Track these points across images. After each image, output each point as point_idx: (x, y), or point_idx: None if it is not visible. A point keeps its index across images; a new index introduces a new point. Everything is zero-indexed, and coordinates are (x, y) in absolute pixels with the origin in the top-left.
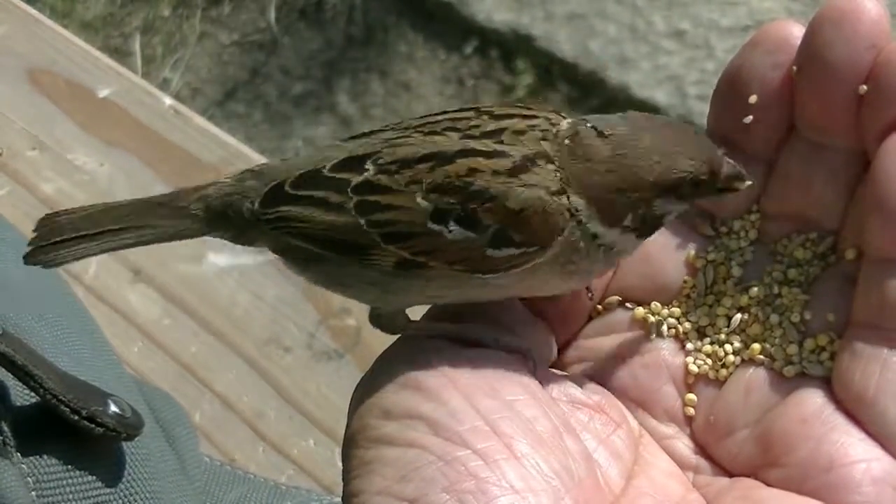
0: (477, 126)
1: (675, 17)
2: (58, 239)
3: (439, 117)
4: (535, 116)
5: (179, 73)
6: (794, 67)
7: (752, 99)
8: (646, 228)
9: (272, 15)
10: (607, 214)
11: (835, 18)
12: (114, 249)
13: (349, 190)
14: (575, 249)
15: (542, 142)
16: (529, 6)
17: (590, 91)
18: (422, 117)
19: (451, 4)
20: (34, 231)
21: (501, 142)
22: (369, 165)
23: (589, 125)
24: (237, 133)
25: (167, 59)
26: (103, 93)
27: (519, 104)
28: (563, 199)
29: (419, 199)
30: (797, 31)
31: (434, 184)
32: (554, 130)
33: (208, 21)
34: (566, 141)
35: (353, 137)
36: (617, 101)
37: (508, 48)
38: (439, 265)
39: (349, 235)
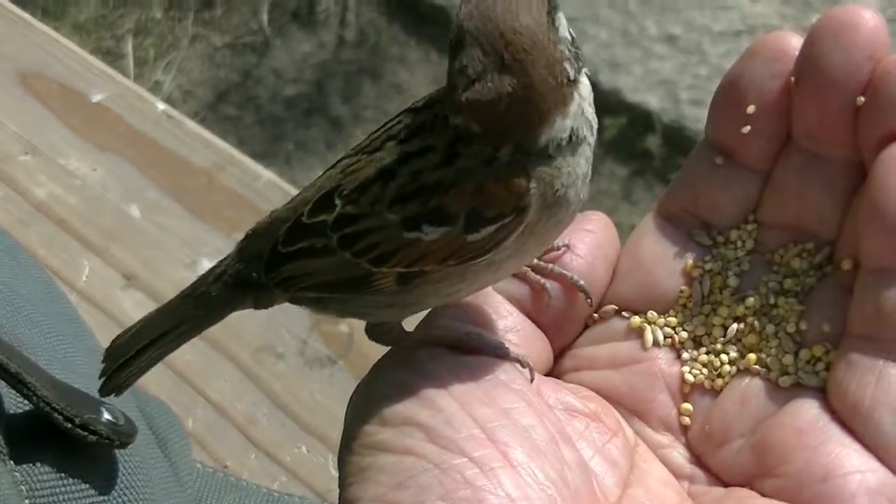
0: (405, 128)
1: (668, 22)
2: (120, 363)
3: (379, 131)
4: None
5: (171, 75)
6: (792, 78)
7: (750, 109)
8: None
9: (264, 17)
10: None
11: (833, 29)
12: (168, 354)
13: (328, 230)
14: (553, 183)
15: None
16: None
17: None
18: (369, 135)
19: (444, 7)
20: (102, 362)
21: (424, 129)
22: (337, 200)
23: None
24: (229, 135)
25: (159, 61)
26: (96, 97)
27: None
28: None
29: (387, 215)
30: (795, 42)
31: (393, 197)
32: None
33: (200, 23)
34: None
35: (323, 173)
36: (609, 105)
37: None
38: (434, 267)
39: (345, 272)
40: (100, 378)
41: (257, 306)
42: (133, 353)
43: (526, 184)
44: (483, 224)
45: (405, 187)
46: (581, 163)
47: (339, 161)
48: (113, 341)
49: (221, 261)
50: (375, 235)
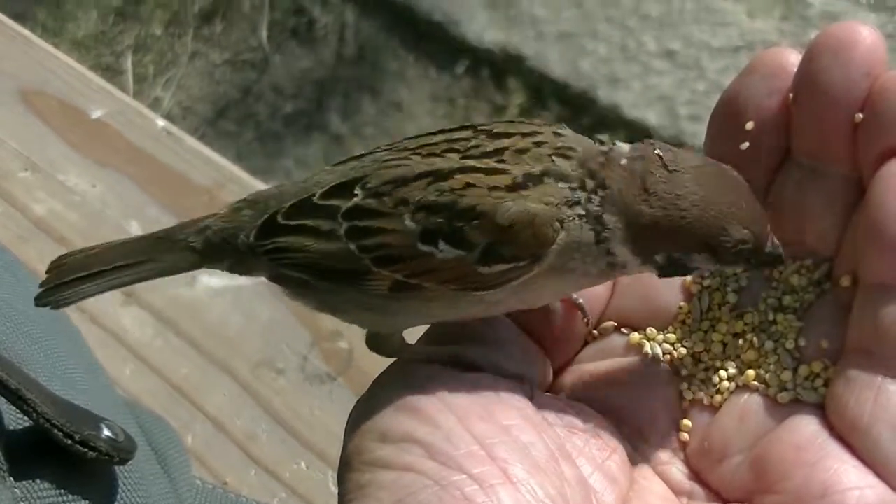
0: (476, 146)
1: (667, 38)
2: (66, 279)
3: (436, 138)
4: (536, 133)
5: (171, 91)
6: (791, 94)
7: (749, 125)
8: (670, 271)
9: (264, 34)
10: (641, 247)
11: (831, 46)
12: (118, 286)
13: (339, 216)
14: (575, 252)
15: (554, 158)
16: (520, 26)
17: (581, 110)
18: (417, 137)
19: (443, 24)
20: (46, 273)
21: (503, 160)
22: (358, 190)
23: (656, 151)
24: (228, 152)
25: (159, 77)
26: (95, 114)
27: (514, 120)
28: (562, 210)
29: (407, 221)
30: (793, 58)
31: (422, 202)
32: (571, 147)
33: (200, 40)
34: (623, 161)
35: (344, 161)
36: (608, 120)
37: (499, 68)
38: (433, 285)
39: (342, 262)
40: (40, 287)
41: (232, 270)
42: (82, 276)
43: (553, 237)
44: (498, 261)
45: (443, 195)
46: (593, 273)
47: (363, 154)
48: (66, 256)
49: (206, 217)
50: (389, 236)
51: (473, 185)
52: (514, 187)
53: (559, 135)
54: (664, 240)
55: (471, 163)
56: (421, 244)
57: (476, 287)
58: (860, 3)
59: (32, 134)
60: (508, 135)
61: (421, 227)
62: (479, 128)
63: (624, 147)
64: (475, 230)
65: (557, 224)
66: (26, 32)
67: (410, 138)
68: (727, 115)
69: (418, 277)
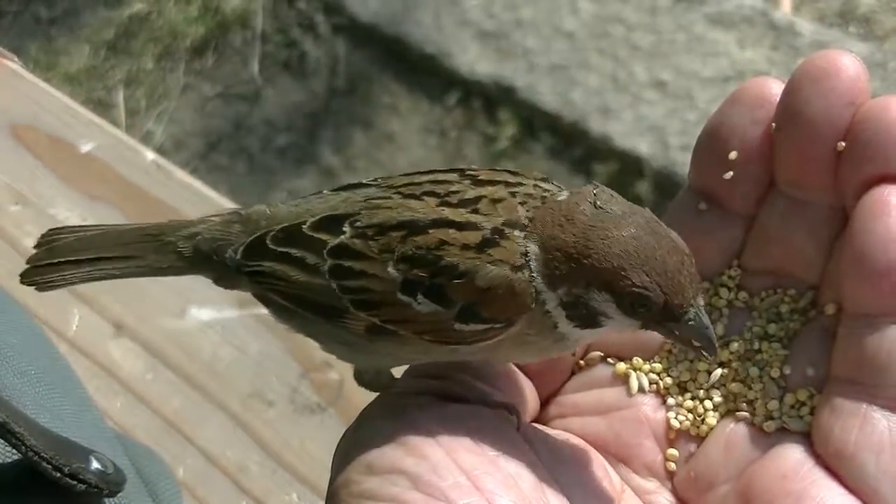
0: (456, 192)
1: (657, 68)
2: (55, 260)
3: (423, 178)
4: (520, 184)
5: (163, 125)
6: (774, 124)
7: (733, 155)
8: (579, 315)
9: (255, 67)
10: (551, 277)
11: (813, 75)
12: (104, 278)
13: (325, 252)
14: (533, 324)
15: (519, 206)
16: (512, 58)
17: (572, 141)
18: (408, 174)
19: (434, 56)
20: (34, 247)
21: (476, 211)
22: (346, 227)
23: (594, 190)
24: (221, 185)
25: (151, 111)
26: (85, 147)
27: (506, 169)
28: (525, 274)
29: (390, 269)
30: (776, 88)
31: (405, 254)
32: (543, 194)
33: (192, 73)
34: (560, 197)
35: (342, 188)
36: (599, 151)
37: (491, 99)
38: (409, 334)
39: (322, 297)
40: (27, 262)
41: (217, 282)
42: (70, 260)
43: (529, 303)
44: (474, 321)
45: (425, 251)
46: (550, 344)
47: (359, 184)
48: (57, 231)
49: (199, 221)
50: (370, 282)
51: (447, 243)
52: (482, 245)
53: (538, 186)
54: (569, 270)
55: (445, 213)
56: (401, 294)
57: (449, 341)
58: (849, 32)
59: (22, 168)
60: (493, 182)
61: (402, 276)
62: (468, 172)
63: (569, 191)
64: (455, 289)
65: (534, 292)
66: (17, 67)
67: (404, 175)
68: (711, 145)
69: (395, 324)
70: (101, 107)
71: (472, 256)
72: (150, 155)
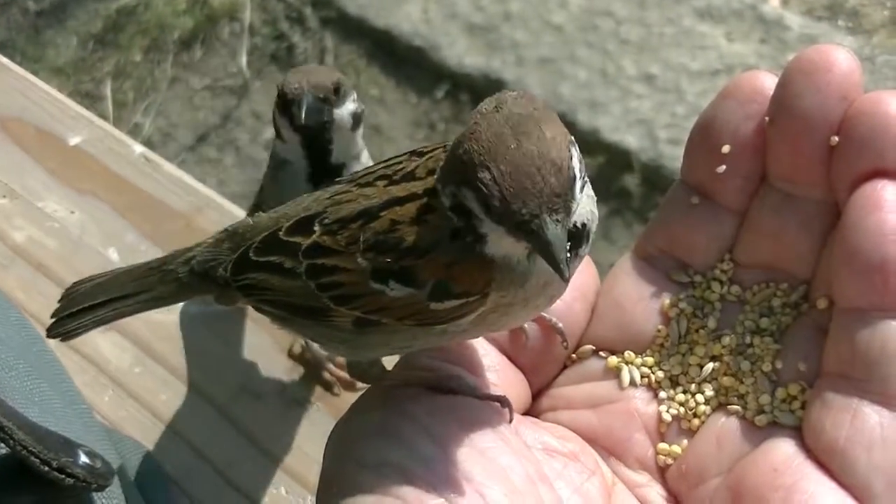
0: (402, 168)
1: (646, 62)
2: (74, 309)
3: (378, 166)
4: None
5: (151, 117)
6: (767, 118)
7: (725, 149)
8: (466, 224)
9: (243, 59)
10: (442, 175)
11: (806, 70)
12: (123, 316)
13: (300, 254)
14: (503, 285)
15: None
16: (500, 50)
17: None
18: (368, 167)
19: (423, 49)
20: (58, 302)
21: (415, 177)
22: (316, 226)
23: (510, 94)
24: (209, 177)
25: (139, 103)
26: (74, 140)
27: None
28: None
29: (359, 259)
30: (769, 82)
31: (368, 243)
32: None
33: (180, 66)
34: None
35: (318, 189)
36: (588, 144)
37: (479, 92)
38: (391, 321)
39: (305, 300)
40: (51, 317)
41: (218, 301)
42: (90, 305)
43: (494, 273)
44: (448, 297)
45: (382, 235)
46: (522, 288)
47: (332, 183)
48: (76, 284)
49: (194, 245)
50: (343, 275)
51: (398, 222)
52: (423, 213)
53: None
54: (449, 169)
55: (393, 191)
56: (373, 282)
57: (430, 322)
58: (838, 26)
59: (10, 161)
60: (434, 149)
61: (371, 265)
62: (418, 150)
63: None
64: (422, 268)
65: (494, 261)
66: (4, 60)
67: (366, 168)
68: (704, 139)
69: (376, 314)
70: (89, 99)
71: (425, 230)
72: (138, 148)
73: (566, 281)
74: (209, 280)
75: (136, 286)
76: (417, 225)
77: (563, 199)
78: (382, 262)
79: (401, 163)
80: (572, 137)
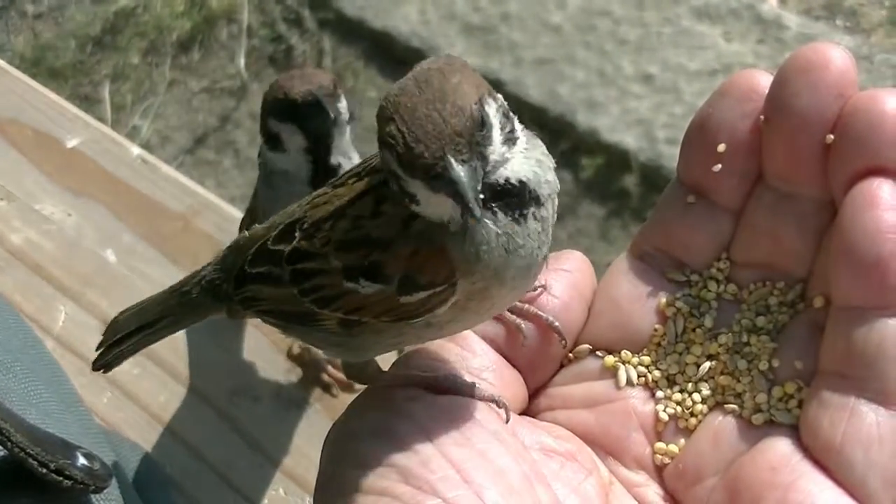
0: (368, 163)
1: (644, 62)
2: (111, 341)
3: (357, 166)
4: None
5: (149, 120)
6: (762, 117)
7: (721, 147)
8: (398, 188)
9: (241, 62)
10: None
11: (802, 68)
12: (152, 343)
13: (283, 260)
14: (463, 264)
15: None
16: (498, 51)
17: (559, 135)
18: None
19: (421, 50)
20: (103, 334)
21: (375, 169)
22: (297, 232)
23: (441, 57)
24: (207, 180)
25: (137, 106)
26: (71, 143)
27: None
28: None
29: (332, 260)
30: (765, 81)
31: (338, 242)
32: None
33: (178, 68)
34: None
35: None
36: (586, 144)
37: None
38: (371, 320)
39: (292, 306)
40: (96, 349)
41: (230, 316)
42: (126, 334)
43: (458, 261)
44: (416, 290)
45: (349, 234)
46: (522, 232)
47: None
48: (119, 315)
49: (206, 265)
50: (321, 278)
51: (360, 217)
52: (377, 206)
53: None
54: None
55: (358, 186)
56: (345, 282)
57: (406, 317)
58: (836, 25)
59: (7, 163)
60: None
61: (342, 264)
62: None
63: None
64: (387, 263)
65: (458, 245)
66: (2, 63)
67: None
68: (700, 138)
69: (355, 314)
70: (87, 102)
71: (384, 222)
72: (136, 150)
73: (478, 220)
74: (217, 296)
75: (161, 311)
76: (376, 217)
77: (468, 140)
78: (351, 260)
79: (371, 159)
80: (493, 91)
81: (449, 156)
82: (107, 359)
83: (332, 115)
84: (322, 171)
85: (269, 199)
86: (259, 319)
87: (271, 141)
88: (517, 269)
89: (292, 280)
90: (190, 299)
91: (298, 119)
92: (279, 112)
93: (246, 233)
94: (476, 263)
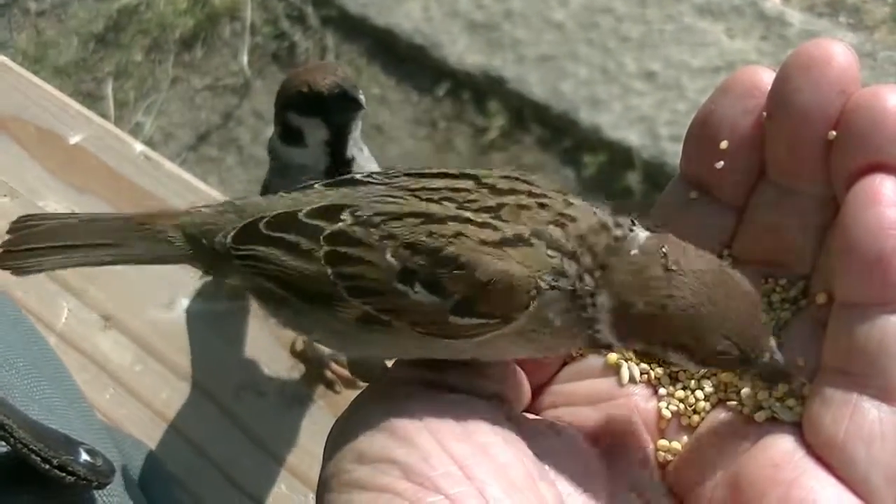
0: (475, 200)
1: (646, 59)
2: (34, 246)
3: (437, 183)
4: (545, 195)
5: (152, 117)
6: (765, 113)
7: (723, 144)
8: (647, 359)
9: (244, 58)
10: (624, 334)
11: (804, 65)
12: (89, 265)
13: (322, 238)
14: (549, 321)
15: (549, 225)
16: (501, 49)
17: (562, 132)
18: (417, 177)
19: (424, 47)
20: (8, 232)
21: (500, 217)
22: (346, 216)
23: (663, 248)
24: (210, 177)
25: (140, 103)
26: (74, 139)
27: (521, 177)
28: (543, 278)
29: (389, 257)
30: (767, 77)
31: (409, 241)
32: (573, 217)
33: (181, 65)
34: (634, 251)
35: (337, 184)
36: (589, 142)
37: (480, 90)
38: (402, 325)
39: (315, 284)
40: (2, 246)
41: (207, 272)
42: (52, 246)
43: (528, 302)
44: (471, 314)
45: (431, 238)
46: (564, 346)
47: (360, 183)
48: (29, 218)
49: (188, 210)
50: (367, 269)
51: (463, 235)
52: (500, 244)
53: (569, 203)
54: (645, 332)
55: (466, 214)
56: (398, 282)
57: (443, 334)
58: (839, 22)
59: (10, 160)
60: (513, 192)
61: (401, 265)
62: (483, 181)
63: (640, 236)
64: (453, 280)
65: (534, 291)
66: (5, 60)
67: (411, 175)
68: (702, 135)
69: (389, 314)
70: (91, 99)
71: (479, 250)
72: (139, 146)
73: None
74: (202, 246)
75: (115, 238)
76: (482, 247)
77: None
78: (415, 263)
79: (469, 191)
80: None
81: (771, 342)
82: (25, 263)
83: (362, 105)
84: (338, 163)
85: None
86: (245, 290)
87: (289, 135)
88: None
89: (328, 259)
90: (162, 239)
91: (324, 112)
92: (302, 105)
93: (261, 200)
94: (550, 333)
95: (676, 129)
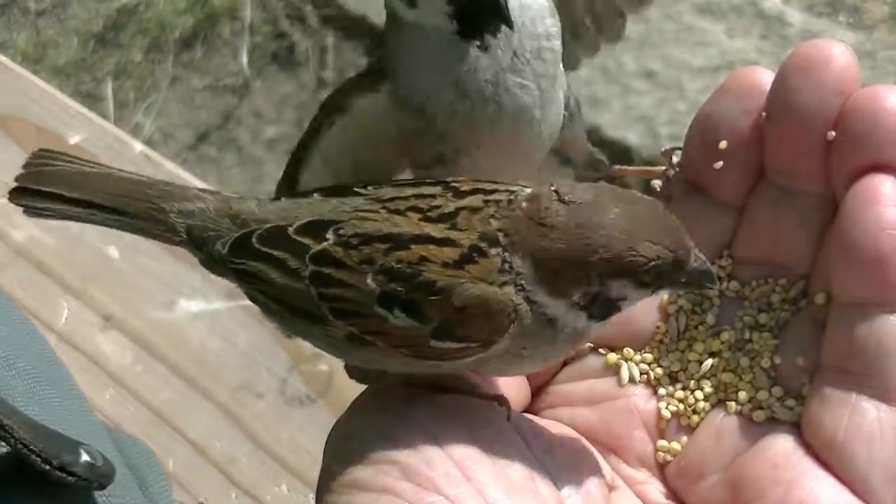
0: (438, 207)
1: (646, 58)
2: (48, 189)
3: (408, 191)
4: (496, 190)
5: (152, 117)
6: (764, 114)
7: (723, 144)
8: (598, 310)
9: (244, 59)
10: (553, 285)
11: (803, 65)
12: (96, 224)
13: (307, 257)
14: (530, 336)
15: (491, 220)
16: None
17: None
18: (396, 185)
19: None
20: (25, 166)
21: (455, 226)
22: (330, 234)
23: (552, 187)
24: (210, 177)
25: (139, 103)
26: (74, 139)
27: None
28: (507, 291)
29: (369, 280)
30: (766, 78)
31: (385, 267)
32: (509, 199)
33: (180, 65)
34: (523, 204)
35: (332, 193)
36: (589, 141)
37: None
38: (385, 346)
39: (302, 303)
40: (16, 179)
41: (205, 265)
42: (65, 195)
43: (507, 325)
44: (450, 339)
45: (402, 265)
46: (554, 350)
47: (347, 193)
48: (50, 156)
49: (197, 198)
50: (348, 291)
51: (427, 260)
52: (460, 262)
53: (512, 192)
54: (575, 274)
55: (427, 229)
56: (378, 307)
57: (426, 356)
58: (839, 21)
59: (10, 159)
60: (473, 192)
61: (380, 289)
62: (451, 184)
63: (525, 191)
64: (431, 305)
65: (513, 313)
66: (4, 60)
67: (392, 185)
68: (701, 135)
69: (372, 336)
70: (90, 99)
71: (451, 274)
72: (139, 146)
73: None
74: (202, 245)
75: (127, 206)
76: (449, 270)
77: None
78: (393, 288)
79: (434, 197)
80: None
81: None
82: (37, 206)
83: None
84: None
85: (400, 62)
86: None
87: None
88: (567, 352)
89: (312, 280)
90: (170, 223)
91: None
92: None
93: (255, 207)
94: (545, 344)
95: (676, 128)
